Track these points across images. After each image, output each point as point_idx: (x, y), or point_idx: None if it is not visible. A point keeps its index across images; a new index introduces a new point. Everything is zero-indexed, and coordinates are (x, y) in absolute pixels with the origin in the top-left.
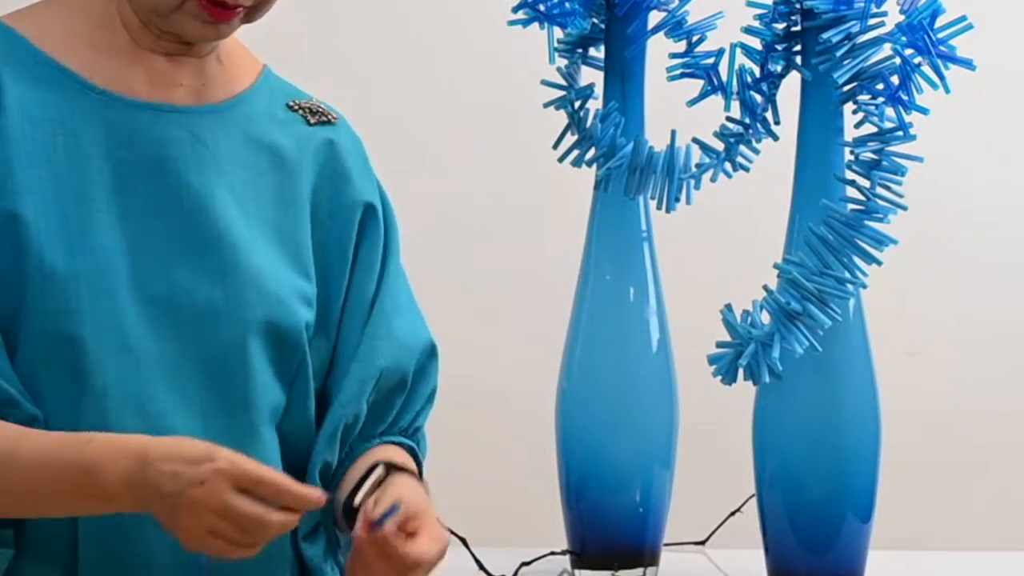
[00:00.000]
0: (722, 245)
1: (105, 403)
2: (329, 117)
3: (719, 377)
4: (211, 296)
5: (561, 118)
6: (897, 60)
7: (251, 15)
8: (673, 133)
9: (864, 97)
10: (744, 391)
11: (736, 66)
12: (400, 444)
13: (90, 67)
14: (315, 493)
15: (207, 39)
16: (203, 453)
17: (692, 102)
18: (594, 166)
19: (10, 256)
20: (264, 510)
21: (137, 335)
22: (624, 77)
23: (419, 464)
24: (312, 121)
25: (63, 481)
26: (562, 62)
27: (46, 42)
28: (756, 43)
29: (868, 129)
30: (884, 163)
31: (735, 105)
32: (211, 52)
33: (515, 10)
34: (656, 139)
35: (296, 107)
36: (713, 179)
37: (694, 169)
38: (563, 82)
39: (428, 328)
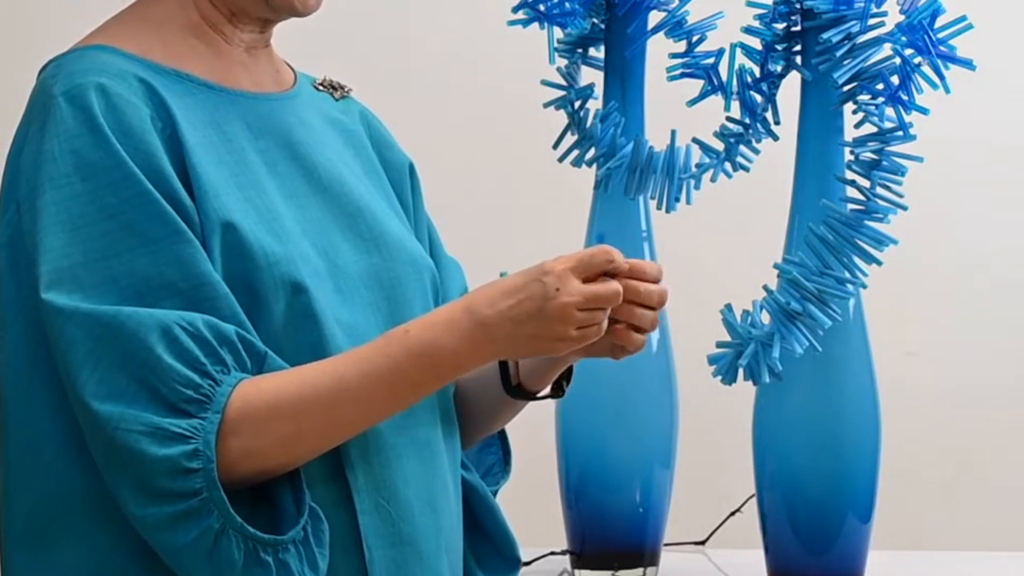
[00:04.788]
0: (722, 245)
1: None
2: (345, 89)
3: (719, 377)
4: (374, 264)
5: (561, 118)
6: (897, 60)
7: None
8: (673, 133)
9: (864, 97)
10: (744, 391)
11: (736, 66)
12: None
13: (201, 70)
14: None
15: (308, 10)
16: (530, 275)
17: (692, 102)
18: (594, 166)
19: (236, 257)
20: (613, 283)
21: (338, 308)
22: (624, 77)
23: None
24: (337, 96)
25: (402, 380)
26: (562, 62)
27: (154, 55)
28: (756, 43)
29: (868, 129)
30: (884, 163)
31: (735, 105)
32: (268, 44)
33: (515, 10)
34: (656, 139)
35: (320, 86)
36: (713, 179)
37: (694, 169)
38: (563, 82)
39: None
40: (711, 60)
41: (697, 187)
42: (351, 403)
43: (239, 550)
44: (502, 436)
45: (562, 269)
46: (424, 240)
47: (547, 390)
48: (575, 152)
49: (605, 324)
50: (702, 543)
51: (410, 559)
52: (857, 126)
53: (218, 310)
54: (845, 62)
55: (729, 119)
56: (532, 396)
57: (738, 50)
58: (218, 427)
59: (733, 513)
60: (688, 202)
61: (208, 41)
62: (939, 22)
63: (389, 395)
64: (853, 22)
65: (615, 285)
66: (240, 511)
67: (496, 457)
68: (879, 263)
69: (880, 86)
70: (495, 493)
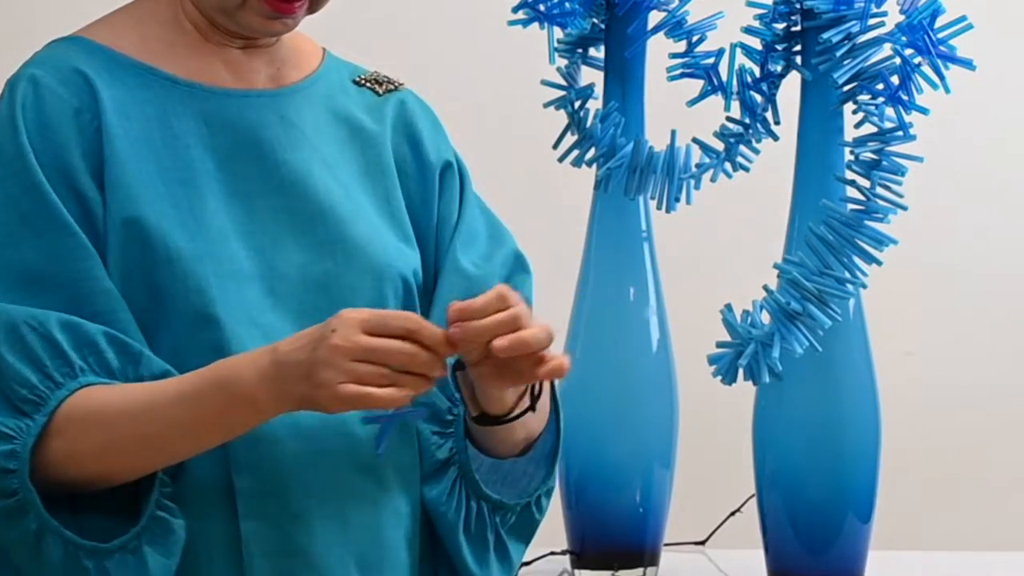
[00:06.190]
0: (722, 245)
1: None
2: (396, 84)
3: (719, 377)
4: (324, 269)
5: (561, 118)
6: (897, 60)
7: (314, 6)
8: (673, 133)
9: (864, 97)
10: (744, 391)
11: (736, 66)
12: None
13: (172, 64)
14: (444, 331)
15: (274, 33)
16: (329, 319)
17: (692, 102)
18: (594, 166)
19: (137, 253)
20: (402, 343)
21: (261, 310)
22: (624, 77)
23: None
24: (380, 91)
25: (204, 406)
26: (562, 62)
27: (125, 47)
28: (756, 43)
29: (868, 129)
30: (884, 163)
31: (735, 105)
32: (279, 40)
33: (515, 10)
34: (656, 139)
35: (362, 81)
36: (713, 179)
37: (694, 169)
38: (563, 82)
39: (511, 245)
40: (711, 60)
41: (697, 187)
42: (158, 422)
43: (59, 552)
44: (554, 406)
45: (352, 318)
46: (444, 239)
47: (520, 408)
48: (575, 152)
49: (399, 399)
50: (702, 543)
51: (301, 570)
52: (857, 126)
53: (94, 306)
54: (845, 62)
55: (729, 119)
56: (499, 420)
57: (738, 50)
58: (41, 429)
59: (733, 513)
60: (688, 202)
61: (188, 38)
62: (939, 22)
63: (194, 421)
64: (853, 22)
65: (399, 344)
66: (93, 514)
67: (552, 436)
68: (879, 263)
69: (880, 86)
70: (549, 494)
